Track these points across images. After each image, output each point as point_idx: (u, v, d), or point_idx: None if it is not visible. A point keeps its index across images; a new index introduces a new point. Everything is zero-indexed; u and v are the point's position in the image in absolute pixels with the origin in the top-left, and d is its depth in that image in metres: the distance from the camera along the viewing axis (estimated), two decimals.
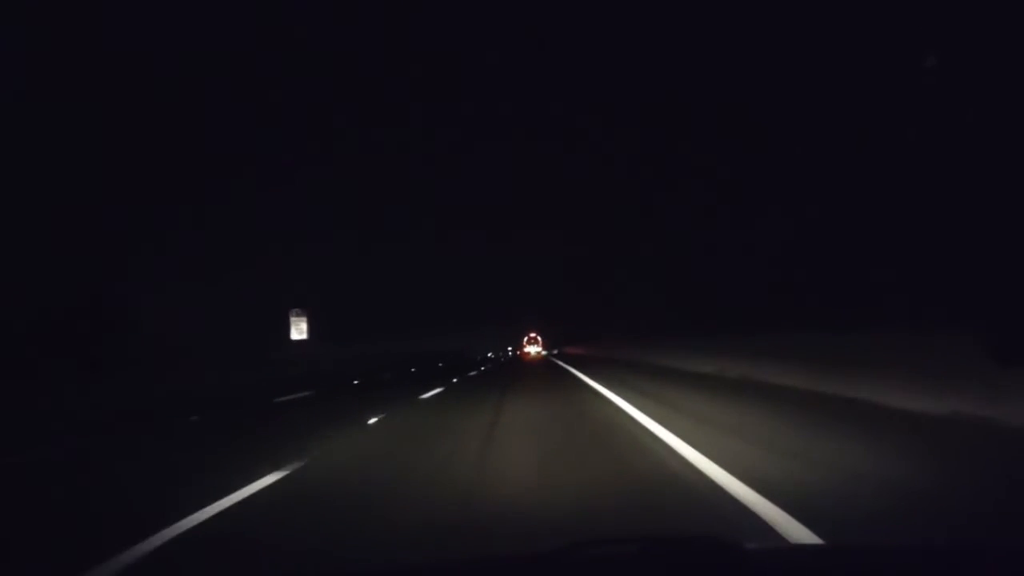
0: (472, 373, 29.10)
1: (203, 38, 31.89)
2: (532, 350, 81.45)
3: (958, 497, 4.21)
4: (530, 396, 14.48)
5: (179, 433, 11.28)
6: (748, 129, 17.31)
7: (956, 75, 10.07)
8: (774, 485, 4.50)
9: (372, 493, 5.29)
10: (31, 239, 25.14)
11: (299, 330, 47.80)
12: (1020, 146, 8.99)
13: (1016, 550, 2.19)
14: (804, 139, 14.88)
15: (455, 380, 22.55)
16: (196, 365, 25.92)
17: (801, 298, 14.39)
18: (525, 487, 5.22)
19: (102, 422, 13.15)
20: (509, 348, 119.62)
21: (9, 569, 4.01)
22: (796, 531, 3.63)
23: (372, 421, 10.43)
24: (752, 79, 16.56)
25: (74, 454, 9.14)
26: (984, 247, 9.31)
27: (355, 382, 24.53)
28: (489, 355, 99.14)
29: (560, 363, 35.80)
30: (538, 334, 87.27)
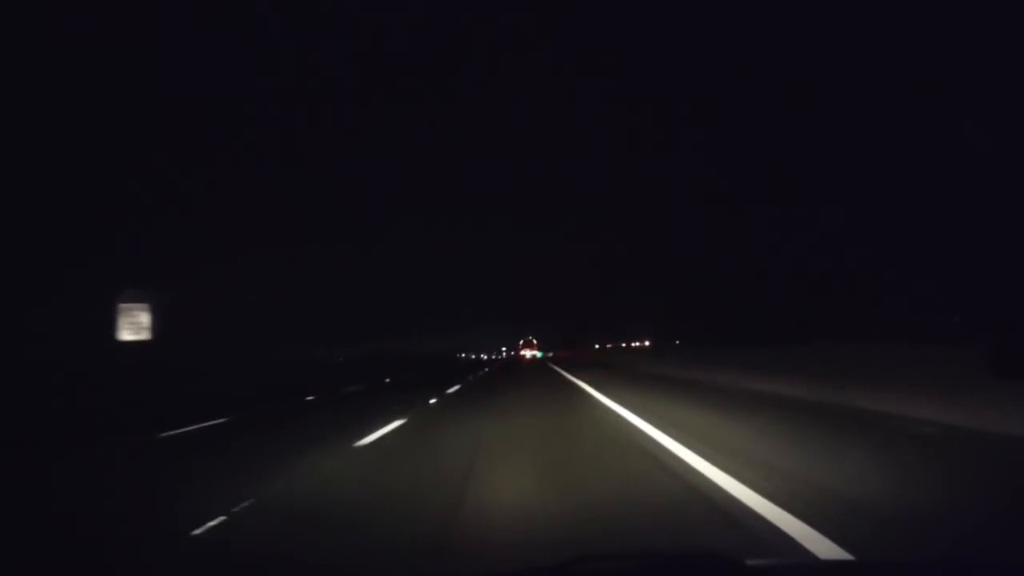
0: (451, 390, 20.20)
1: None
2: (529, 354, 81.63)
3: None
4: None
5: None
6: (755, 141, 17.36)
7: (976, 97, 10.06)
8: None
9: None
10: None
11: (133, 326, 30.06)
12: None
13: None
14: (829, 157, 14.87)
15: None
16: None
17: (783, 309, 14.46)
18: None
19: None
20: (504, 349, 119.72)
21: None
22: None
23: None
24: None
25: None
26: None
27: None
28: (483, 357, 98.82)
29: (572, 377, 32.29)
30: (534, 338, 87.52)
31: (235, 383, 25.35)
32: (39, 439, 11.47)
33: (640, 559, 1.96)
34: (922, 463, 5.80)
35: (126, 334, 29.64)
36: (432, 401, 15.52)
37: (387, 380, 29.49)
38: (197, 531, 4.55)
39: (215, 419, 12.78)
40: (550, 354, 77.19)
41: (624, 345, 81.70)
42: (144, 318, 30.21)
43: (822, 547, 3.54)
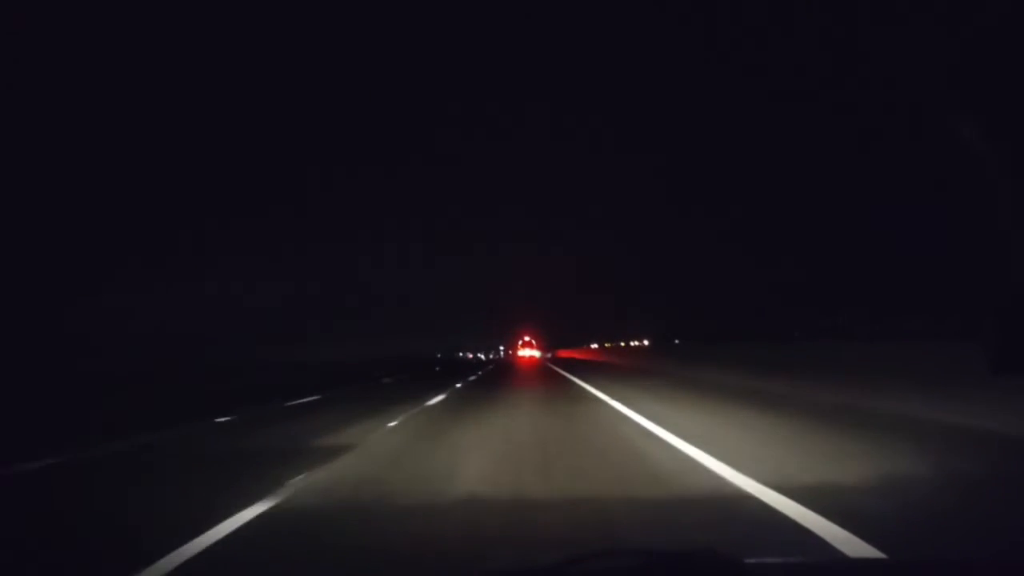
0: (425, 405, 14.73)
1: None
2: (526, 354, 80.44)
3: None
4: None
5: None
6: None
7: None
8: None
9: None
10: None
11: None
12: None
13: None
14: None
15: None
16: None
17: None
18: None
19: None
20: (501, 348, 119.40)
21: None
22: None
23: None
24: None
25: None
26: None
27: None
28: (481, 357, 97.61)
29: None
30: (532, 337, 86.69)
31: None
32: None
33: (637, 556, 1.95)
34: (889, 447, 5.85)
35: None
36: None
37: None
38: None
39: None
40: (548, 355, 76.68)
41: (623, 344, 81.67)
42: None
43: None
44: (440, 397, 15.80)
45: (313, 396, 17.80)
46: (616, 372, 26.05)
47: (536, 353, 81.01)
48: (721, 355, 20.80)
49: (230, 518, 4.71)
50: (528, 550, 3.79)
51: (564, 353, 70.21)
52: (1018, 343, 1.61)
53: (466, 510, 4.73)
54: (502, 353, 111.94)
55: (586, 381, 19.78)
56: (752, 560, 2.12)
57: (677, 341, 61.83)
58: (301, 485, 5.78)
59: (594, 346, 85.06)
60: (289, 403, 15.80)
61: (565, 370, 29.72)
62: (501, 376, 28.66)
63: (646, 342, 77.82)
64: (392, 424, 10.18)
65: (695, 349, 32.32)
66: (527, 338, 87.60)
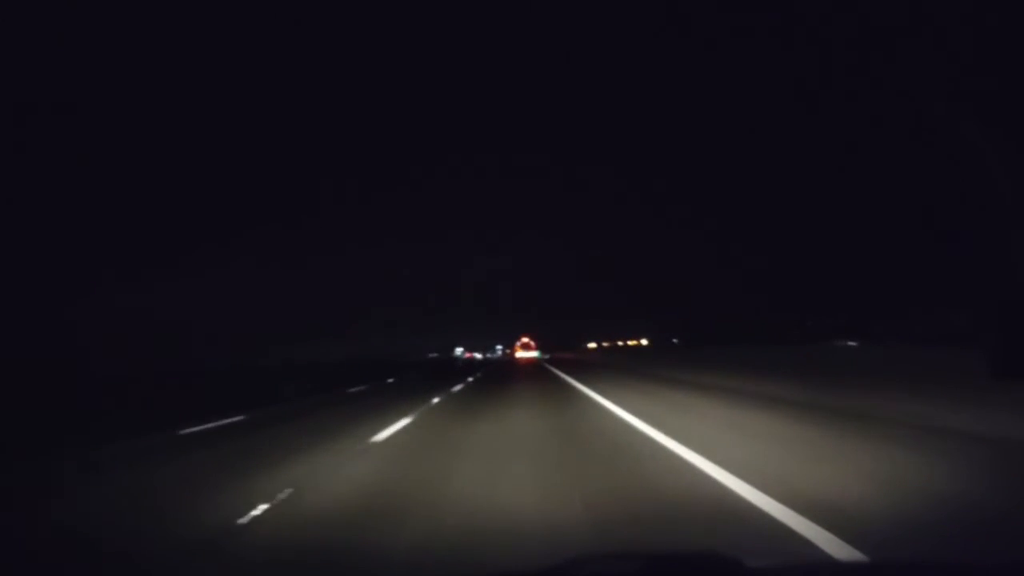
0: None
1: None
2: (524, 355, 79.88)
3: None
4: None
5: None
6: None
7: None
8: None
9: None
10: None
11: None
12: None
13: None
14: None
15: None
16: None
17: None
18: None
19: None
20: (500, 348, 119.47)
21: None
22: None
23: None
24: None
25: None
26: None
27: None
28: (478, 357, 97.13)
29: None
30: (531, 338, 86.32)
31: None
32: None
33: (639, 559, 1.95)
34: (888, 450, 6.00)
35: None
36: None
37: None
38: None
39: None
40: (547, 356, 76.57)
41: (622, 344, 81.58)
42: None
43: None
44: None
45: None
46: (616, 374, 25.86)
47: (535, 354, 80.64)
48: (718, 357, 20.74)
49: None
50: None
51: (564, 354, 70.16)
52: (1019, 348, 1.61)
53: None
54: (501, 353, 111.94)
55: (589, 386, 19.53)
56: (752, 562, 2.12)
57: (675, 340, 61.97)
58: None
59: (592, 345, 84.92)
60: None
61: (566, 373, 29.05)
62: (501, 376, 29.35)
63: (644, 342, 77.91)
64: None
65: (695, 352, 32.28)
66: (525, 339, 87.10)
